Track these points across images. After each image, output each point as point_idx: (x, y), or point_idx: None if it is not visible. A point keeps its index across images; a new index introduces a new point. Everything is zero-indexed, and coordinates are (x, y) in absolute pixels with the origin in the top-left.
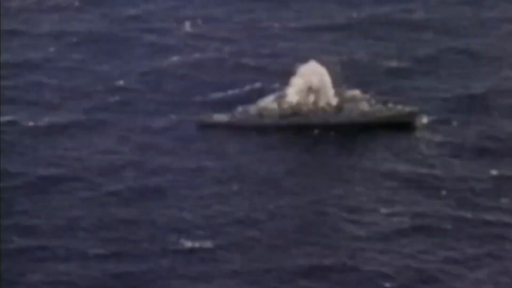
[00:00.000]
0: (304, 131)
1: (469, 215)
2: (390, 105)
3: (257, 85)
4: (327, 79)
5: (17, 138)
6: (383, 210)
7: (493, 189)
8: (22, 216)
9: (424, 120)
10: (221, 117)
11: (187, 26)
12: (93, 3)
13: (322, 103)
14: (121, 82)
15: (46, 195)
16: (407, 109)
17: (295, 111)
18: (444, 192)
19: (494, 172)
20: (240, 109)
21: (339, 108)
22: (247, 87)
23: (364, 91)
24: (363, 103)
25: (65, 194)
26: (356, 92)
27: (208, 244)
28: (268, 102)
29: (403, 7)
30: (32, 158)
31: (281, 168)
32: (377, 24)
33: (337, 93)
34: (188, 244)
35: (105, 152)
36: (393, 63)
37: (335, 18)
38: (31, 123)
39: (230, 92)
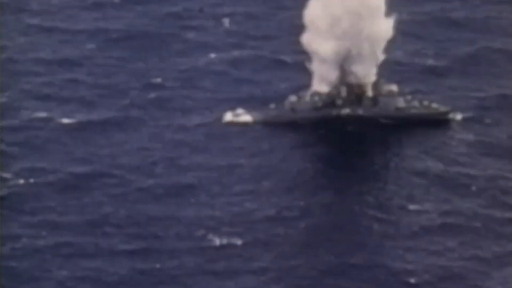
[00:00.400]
0: (337, 127)
1: (498, 214)
2: (425, 102)
3: (295, 82)
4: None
5: (51, 134)
6: (412, 207)
7: None
8: (53, 212)
9: (458, 118)
10: (254, 114)
11: (226, 23)
12: (134, 1)
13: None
14: (158, 80)
15: (77, 191)
16: (442, 107)
17: (328, 101)
18: (474, 190)
19: None
20: (272, 105)
21: (374, 102)
22: (285, 84)
23: (401, 88)
24: (399, 99)
25: (95, 191)
26: (393, 87)
27: (236, 241)
28: (300, 95)
29: (443, 6)
30: (65, 154)
31: (313, 166)
32: (417, 23)
33: (374, 87)
34: (217, 241)
35: (138, 149)
36: (430, 62)
37: None
38: (65, 120)
39: (267, 89)
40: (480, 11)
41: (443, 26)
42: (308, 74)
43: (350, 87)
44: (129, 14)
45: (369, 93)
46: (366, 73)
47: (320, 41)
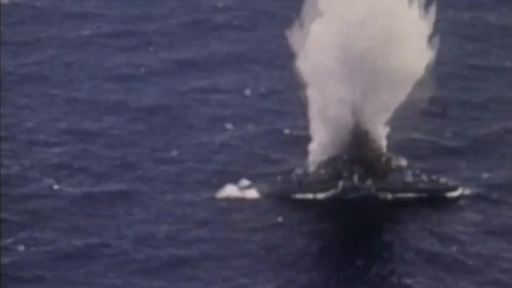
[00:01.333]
0: (343, 202)
1: None
2: (433, 177)
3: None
4: None
5: (58, 204)
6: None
7: None
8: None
9: (466, 193)
10: (259, 188)
11: (247, 93)
12: (159, 74)
13: None
14: (173, 153)
15: (75, 262)
16: (450, 182)
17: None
18: (471, 269)
19: None
20: (279, 178)
21: (383, 176)
22: (301, 160)
23: (410, 163)
24: (407, 173)
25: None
26: (402, 162)
27: None
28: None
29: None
30: (69, 224)
31: (315, 242)
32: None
33: (384, 161)
34: None
35: (140, 222)
36: (446, 141)
37: None
38: (74, 190)
39: (281, 164)
40: (499, 93)
41: (464, 107)
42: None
43: (361, 153)
44: (153, 88)
45: (382, 161)
46: (381, 119)
47: (329, 82)
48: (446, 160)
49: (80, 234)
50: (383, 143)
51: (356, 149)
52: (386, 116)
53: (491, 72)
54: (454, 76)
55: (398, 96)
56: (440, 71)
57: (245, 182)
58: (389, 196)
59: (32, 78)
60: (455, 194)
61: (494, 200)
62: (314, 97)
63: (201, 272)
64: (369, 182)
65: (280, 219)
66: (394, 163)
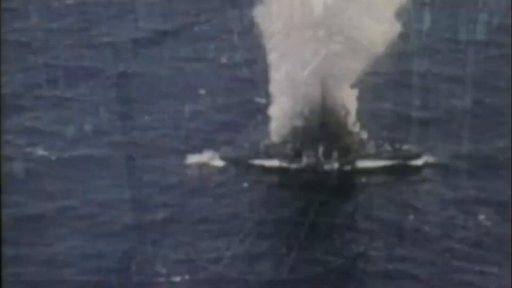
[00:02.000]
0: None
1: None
2: (397, 146)
3: None
4: None
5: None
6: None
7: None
8: None
9: (429, 161)
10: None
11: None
12: None
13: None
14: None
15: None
16: (413, 150)
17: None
18: (427, 238)
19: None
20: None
21: (347, 149)
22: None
23: (374, 134)
24: (371, 144)
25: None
26: (365, 134)
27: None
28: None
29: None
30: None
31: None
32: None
33: (348, 136)
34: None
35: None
36: (417, 112)
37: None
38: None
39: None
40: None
41: (437, 79)
42: None
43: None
44: None
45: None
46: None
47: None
48: (412, 131)
49: (47, 197)
50: (349, 110)
51: (321, 118)
52: (350, 81)
53: (465, 45)
54: (427, 49)
55: (362, 63)
56: (413, 43)
57: (211, 152)
58: (352, 167)
59: None
60: (418, 162)
61: (457, 170)
62: (278, 61)
63: (165, 236)
64: (333, 155)
65: (245, 184)
66: (357, 135)
